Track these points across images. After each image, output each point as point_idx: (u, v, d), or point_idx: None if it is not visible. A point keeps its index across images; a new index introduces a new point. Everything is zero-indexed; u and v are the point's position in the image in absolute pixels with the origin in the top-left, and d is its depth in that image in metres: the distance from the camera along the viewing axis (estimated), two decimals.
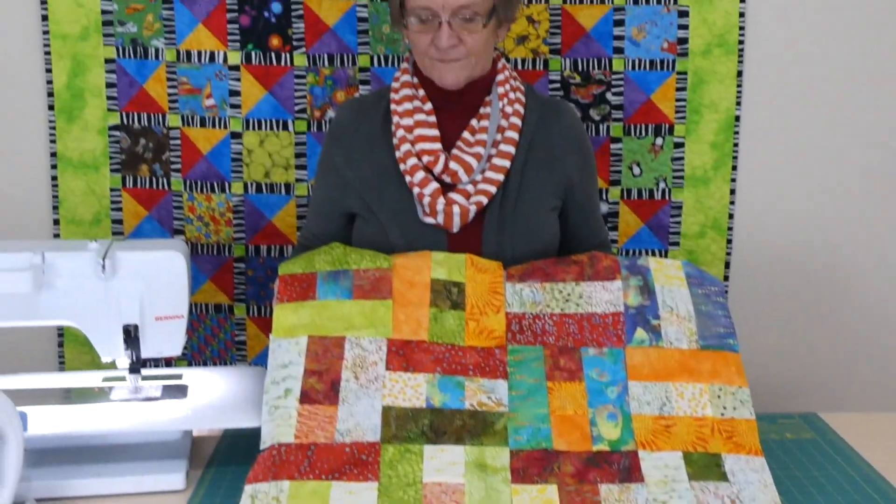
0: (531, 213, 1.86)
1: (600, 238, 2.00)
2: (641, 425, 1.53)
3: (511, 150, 1.83)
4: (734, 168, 2.42)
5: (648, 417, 1.54)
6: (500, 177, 1.82)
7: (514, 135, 1.84)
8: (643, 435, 1.52)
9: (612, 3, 2.34)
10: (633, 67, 2.37)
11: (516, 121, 1.85)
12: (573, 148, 1.91)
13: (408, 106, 1.86)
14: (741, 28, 2.35)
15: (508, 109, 1.85)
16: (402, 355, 1.57)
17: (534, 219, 1.86)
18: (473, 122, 1.86)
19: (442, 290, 1.64)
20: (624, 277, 1.68)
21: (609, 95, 2.38)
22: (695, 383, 1.58)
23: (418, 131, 1.84)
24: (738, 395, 1.58)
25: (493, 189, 1.82)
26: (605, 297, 1.66)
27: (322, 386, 1.52)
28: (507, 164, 1.83)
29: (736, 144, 2.41)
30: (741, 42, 2.35)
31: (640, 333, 1.62)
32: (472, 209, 1.80)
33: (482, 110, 1.86)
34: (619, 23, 2.34)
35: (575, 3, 2.34)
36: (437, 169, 1.81)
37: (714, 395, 1.57)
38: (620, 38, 2.35)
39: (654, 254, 2.45)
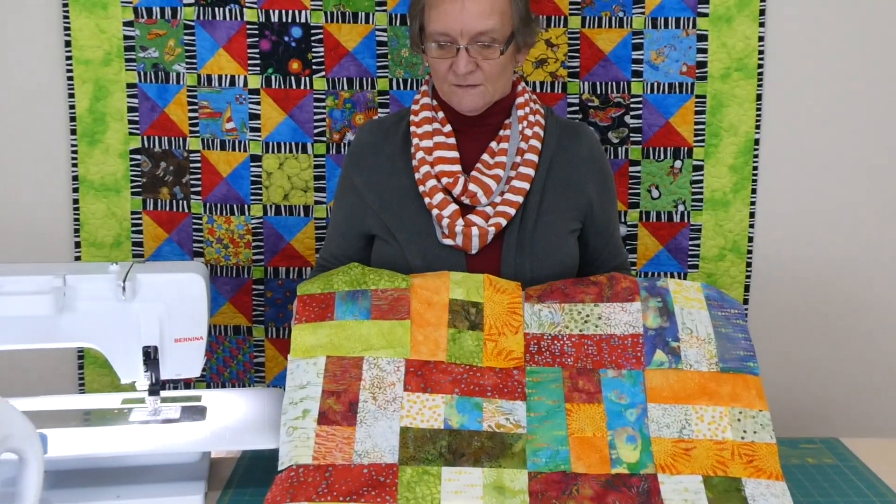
0: (550, 236, 1.85)
1: (619, 260, 2.00)
2: (661, 448, 1.52)
3: (530, 172, 1.84)
4: (754, 191, 2.41)
5: (668, 440, 1.53)
6: (520, 199, 1.82)
7: (534, 157, 1.84)
8: (662, 458, 1.51)
9: (631, 26, 2.34)
10: (652, 91, 2.37)
11: (536, 143, 1.85)
12: (593, 170, 1.91)
13: (427, 128, 1.86)
14: (760, 52, 2.35)
15: (528, 132, 1.86)
16: (421, 376, 1.57)
17: (553, 241, 1.86)
18: (493, 144, 1.87)
19: (460, 311, 1.64)
20: (643, 299, 1.67)
21: (628, 118, 2.38)
22: (714, 406, 1.57)
23: (438, 153, 1.84)
24: (759, 419, 1.57)
25: (511, 211, 1.82)
26: (624, 318, 1.65)
27: (340, 407, 1.52)
28: (526, 186, 1.83)
29: (755, 167, 2.40)
30: (760, 66, 2.35)
31: (660, 355, 1.61)
32: (491, 231, 1.80)
33: (502, 132, 1.87)
34: (638, 46, 2.35)
35: (594, 26, 2.34)
36: (457, 191, 1.81)
37: (734, 419, 1.56)
38: (639, 61, 2.36)
39: (673, 276, 2.44)
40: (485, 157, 1.86)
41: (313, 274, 1.94)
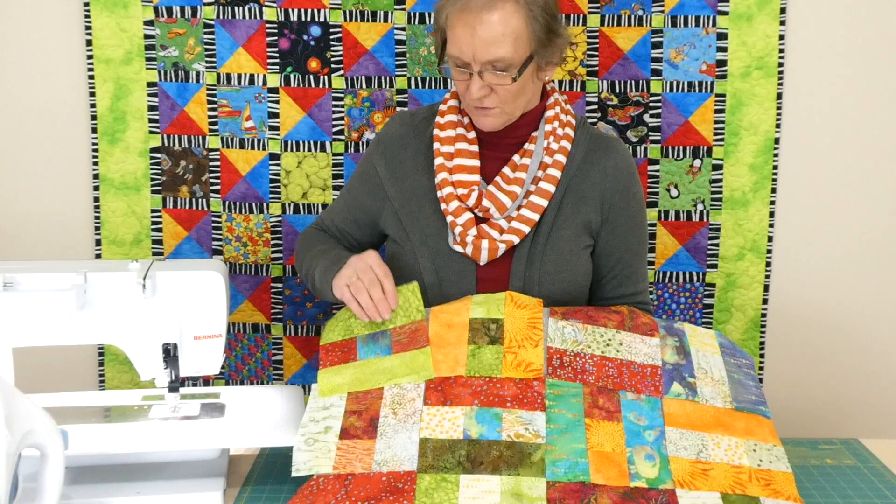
0: (562, 251, 1.83)
1: (626, 291, 1.91)
2: (679, 467, 1.52)
3: (551, 188, 1.81)
4: (773, 190, 2.40)
5: (686, 461, 1.53)
6: (536, 216, 1.80)
7: (556, 173, 1.82)
8: (681, 475, 1.50)
9: (651, 25, 2.33)
10: (671, 89, 2.36)
11: (560, 158, 1.82)
12: (614, 188, 1.86)
13: (450, 132, 1.85)
14: (781, 50, 2.34)
15: (554, 146, 1.83)
16: (440, 391, 1.57)
17: (564, 256, 1.83)
18: (515, 157, 1.84)
19: (480, 328, 1.65)
20: (661, 336, 1.69)
21: (647, 117, 2.37)
22: (730, 437, 1.58)
23: (458, 161, 1.82)
24: (774, 452, 1.58)
25: (526, 229, 1.80)
26: (643, 349, 1.66)
27: (361, 423, 1.54)
28: (544, 203, 1.81)
29: (775, 167, 2.39)
30: (781, 64, 2.34)
31: (677, 387, 1.63)
32: (502, 247, 1.79)
33: (526, 146, 1.84)
34: (657, 45, 2.34)
35: (613, 25, 2.34)
36: (470, 202, 1.80)
37: (750, 449, 1.56)
38: (658, 60, 2.35)
39: (691, 276, 2.43)
40: (505, 170, 1.83)
41: (308, 236, 1.94)
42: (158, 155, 2.42)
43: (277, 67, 2.37)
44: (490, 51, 1.68)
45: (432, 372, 1.60)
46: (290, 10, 2.34)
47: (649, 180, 2.40)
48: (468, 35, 1.68)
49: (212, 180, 2.42)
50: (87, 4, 2.34)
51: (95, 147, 2.41)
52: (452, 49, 1.73)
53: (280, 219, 2.43)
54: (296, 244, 2.03)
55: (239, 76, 2.37)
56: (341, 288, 1.70)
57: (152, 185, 2.43)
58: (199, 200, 2.43)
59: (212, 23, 2.35)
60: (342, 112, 2.38)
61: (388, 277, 1.69)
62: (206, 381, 2.44)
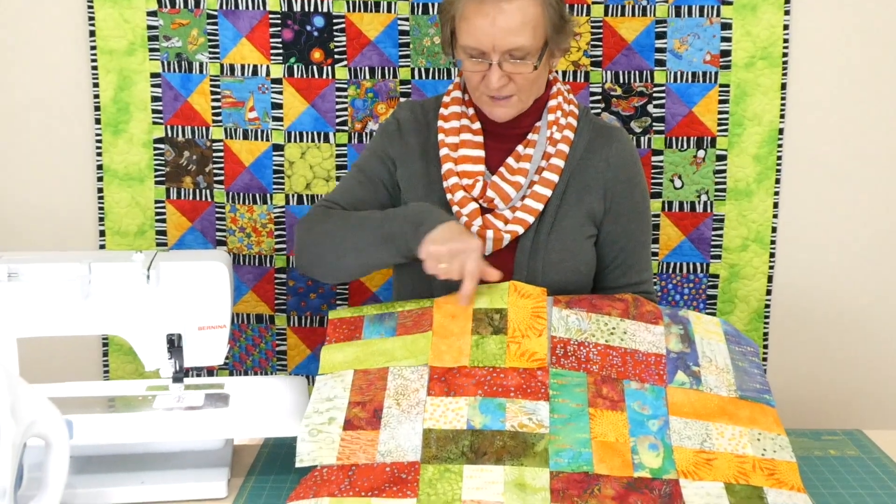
0: (566, 241, 1.83)
1: (630, 281, 1.90)
2: (682, 457, 1.51)
3: (554, 178, 1.81)
4: (777, 181, 2.39)
5: (689, 450, 1.53)
6: (540, 206, 1.80)
7: (560, 162, 1.82)
8: (684, 465, 1.50)
9: (654, 15, 2.33)
10: (676, 80, 2.36)
11: (564, 148, 1.82)
12: (618, 177, 1.86)
13: (455, 124, 1.85)
14: (785, 41, 2.33)
15: (557, 136, 1.83)
16: (444, 381, 1.57)
17: (568, 246, 1.83)
18: (519, 148, 1.84)
19: (484, 318, 1.65)
20: (666, 324, 1.68)
21: (651, 108, 2.37)
22: (734, 426, 1.57)
23: (462, 151, 1.83)
24: (778, 441, 1.57)
25: (530, 219, 1.80)
26: (648, 337, 1.66)
27: (365, 414, 1.54)
28: (548, 192, 1.81)
29: (779, 157, 2.39)
30: (785, 55, 2.34)
31: (681, 376, 1.62)
32: (507, 237, 1.79)
33: (530, 136, 1.84)
34: (661, 35, 2.34)
35: (616, 15, 2.33)
36: (474, 193, 1.80)
37: (754, 438, 1.56)
38: (662, 50, 2.34)
39: (695, 267, 2.43)
40: (509, 160, 1.84)
41: (315, 215, 1.86)
42: (162, 146, 2.42)
43: (281, 58, 2.36)
44: (510, 40, 1.69)
45: (429, 355, 1.60)
46: (293, 1, 2.33)
47: (653, 171, 2.40)
48: (487, 25, 1.69)
49: (215, 171, 2.42)
50: None
51: (99, 138, 2.41)
52: (468, 40, 1.72)
53: (283, 210, 2.43)
54: (303, 222, 1.87)
55: (242, 67, 2.37)
56: (433, 266, 1.65)
57: (156, 176, 2.43)
58: (203, 191, 2.43)
59: (215, 13, 2.34)
60: (345, 103, 2.38)
61: (471, 279, 1.63)
62: (211, 371, 2.45)
